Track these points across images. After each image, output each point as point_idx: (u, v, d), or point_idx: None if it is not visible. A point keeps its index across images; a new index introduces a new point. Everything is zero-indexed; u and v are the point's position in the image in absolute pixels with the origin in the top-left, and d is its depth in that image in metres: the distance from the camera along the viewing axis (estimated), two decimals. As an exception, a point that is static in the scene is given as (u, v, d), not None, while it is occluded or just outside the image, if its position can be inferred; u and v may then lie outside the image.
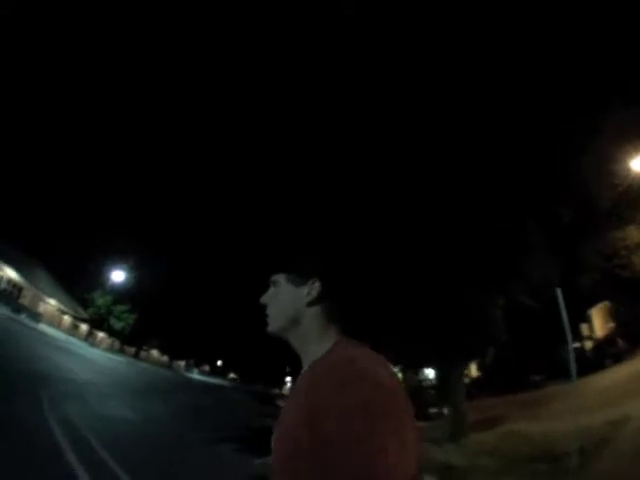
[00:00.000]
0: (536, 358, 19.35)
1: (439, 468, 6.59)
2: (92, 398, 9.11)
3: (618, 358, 12.35)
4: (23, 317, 26.16)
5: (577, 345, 19.60)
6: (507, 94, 9.15)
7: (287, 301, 0.83)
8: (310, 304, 0.81)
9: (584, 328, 19.21)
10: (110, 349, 39.40)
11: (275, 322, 0.85)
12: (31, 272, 31.47)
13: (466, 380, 37.39)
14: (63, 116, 40.12)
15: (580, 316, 18.95)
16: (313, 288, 0.81)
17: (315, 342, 0.79)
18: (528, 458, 5.66)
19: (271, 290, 0.88)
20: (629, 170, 11.39)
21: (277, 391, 79.25)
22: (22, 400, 6.29)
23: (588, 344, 18.47)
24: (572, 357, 11.55)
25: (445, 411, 21.25)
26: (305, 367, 0.78)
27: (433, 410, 21.45)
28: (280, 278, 0.87)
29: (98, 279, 38.86)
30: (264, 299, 0.88)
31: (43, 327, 27.23)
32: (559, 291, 6.57)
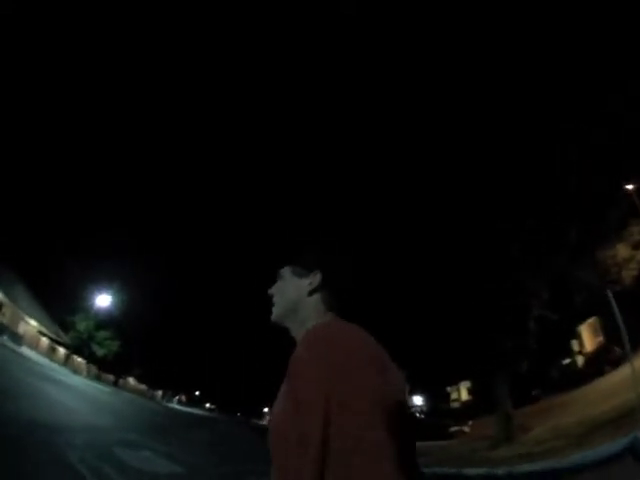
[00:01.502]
0: (533, 374, 20.22)
1: (518, 458, 7.19)
2: (121, 451, 7.84)
3: (617, 363, 13.54)
4: (5, 339, 24.58)
5: (568, 361, 20.89)
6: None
7: (291, 290, 0.91)
8: (311, 293, 0.88)
9: (574, 344, 20.56)
10: (88, 376, 37.11)
11: (278, 309, 0.93)
12: (11, 288, 29.37)
13: (456, 405, 37.65)
14: (52, 129, 39.28)
15: (570, 333, 20.35)
16: (315, 279, 0.89)
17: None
18: (596, 427, 6.39)
19: (277, 283, 0.96)
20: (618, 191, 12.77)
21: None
22: (53, 465, 5.12)
23: (579, 359, 19.75)
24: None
25: (465, 429, 22.23)
26: None
27: (454, 429, 22.68)
28: (285, 271, 0.96)
29: (79, 300, 37.00)
30: (271, 290, 0.96)
31: (25, 351, 25.59)
32: (610, 293, 7.36)
